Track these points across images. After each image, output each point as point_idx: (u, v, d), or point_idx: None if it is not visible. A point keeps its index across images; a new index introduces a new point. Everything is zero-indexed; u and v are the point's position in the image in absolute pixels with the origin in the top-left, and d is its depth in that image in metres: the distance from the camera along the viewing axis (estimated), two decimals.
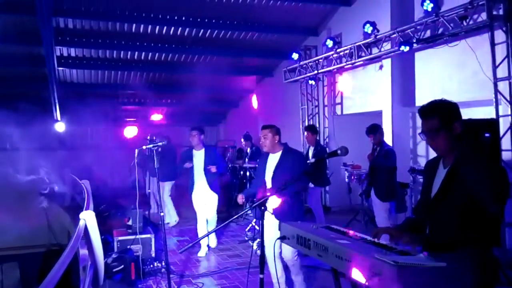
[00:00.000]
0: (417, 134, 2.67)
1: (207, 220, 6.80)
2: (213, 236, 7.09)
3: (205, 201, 6.69)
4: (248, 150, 9.79)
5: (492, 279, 2.40)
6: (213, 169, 6.43)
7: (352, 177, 8.54)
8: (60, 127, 11.91)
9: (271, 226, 3.98)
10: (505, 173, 2.37)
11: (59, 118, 11.50)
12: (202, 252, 6.67)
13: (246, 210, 3.19)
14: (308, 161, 7.41)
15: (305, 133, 7.55)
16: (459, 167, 2.43)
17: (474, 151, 2.48)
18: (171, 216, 8.65)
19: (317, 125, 10.63)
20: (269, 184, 4.53)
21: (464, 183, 2.37)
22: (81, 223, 3.33)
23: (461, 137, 2.49)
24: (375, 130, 6.28)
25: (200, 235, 6.75)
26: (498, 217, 2.39)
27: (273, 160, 4.61)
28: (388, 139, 7.37)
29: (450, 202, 2.45)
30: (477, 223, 2.33)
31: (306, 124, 10.66)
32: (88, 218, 3.49)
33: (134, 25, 9.52)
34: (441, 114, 2.45)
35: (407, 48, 7.11)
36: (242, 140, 9.86)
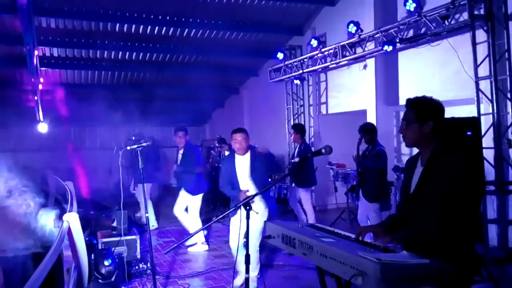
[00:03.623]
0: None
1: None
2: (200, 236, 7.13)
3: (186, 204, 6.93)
4: (226, 152, 9.79)
5: (473, 274, 2.45)
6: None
7: (339, 176, 8.58)
8: (42, 128, 11.74)
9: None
10: (481, 169, 2.45)
11: (41, 119, 11.33)
12: (196, 248, 6.83)
13: (231, 210, 3.18)
14: (292, 160, 7.44)
15: (292, 131, 7.57)
16: (435, 164, 2.52)
17: (449, 149, 2.56)
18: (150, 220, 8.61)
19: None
20: (244, 185, 4.86)
21: (439, 179, 2.45)
22: (65, 225, 3.30)
23: (439, 135, 2.58)
24: (367, 129, 6.27)
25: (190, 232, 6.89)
26: (475, 212, 2.45)
27: (242, 161, 4.96)
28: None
29: (427, 199, 2.52)
30: (455, 219, 2.38)
31: (292, 123, 10.71)
32: (71, 220, 3.45)
33: (117, 24, 9.43)
34: (418, 108, 2.57)
35: (391, 47, 7.18)
36: (217, 144, 9.95)
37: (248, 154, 4.93)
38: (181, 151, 6.90)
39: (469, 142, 5.17)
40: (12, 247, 4.71)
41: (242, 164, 4.93)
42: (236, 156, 4.97)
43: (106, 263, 4.86)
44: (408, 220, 2.67)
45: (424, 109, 2.55)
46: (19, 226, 4.99)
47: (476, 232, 2.47)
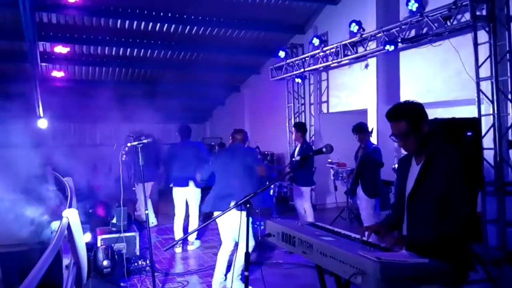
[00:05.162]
0: (388, 137, 2.76)
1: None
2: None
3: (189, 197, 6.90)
4: None
5: (468, 269, 2.49)
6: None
7: (339, 175, 8.59)
8: (42, 123, 11.72)
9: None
10: (478, 166, 2.48)
11: (41, 115, 11.32)
12: (192, 246, 6.89)
13: (231, 208, 3.17)
14: (293, 159, 7.42)
15: (293, 130, 7.56)
16: (431, 163, 2.53)
17: (444, 146, 2.58)
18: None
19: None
20: None
21: (437, 178, 2.46)
22: (64, 221, 3.29)
23: (431, 134, 2.59)
24: (359, 129, 6.34)
25: (176, 232, 6.94)
26: (473, 207, 2.48)
27: None
28: (373, 137, 7.43)
29: (425, 198, 2.53)
30: (454, 215, 2.41)
31: (293, 122, 10.69)
32: (71, 216, 3.44)
33: (119, 21, 9.41)
34: (408, 117, 2.54)
35: (392, 47, 7.17)
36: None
37: None
38: None
39: (468, 142, 5.18)
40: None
41: None
42: None
43: (105, 263, 4.86)
44: (407, 219, 2.68)
45: (414, 114, 2.55)
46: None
47: (473, 229, 2.52)
